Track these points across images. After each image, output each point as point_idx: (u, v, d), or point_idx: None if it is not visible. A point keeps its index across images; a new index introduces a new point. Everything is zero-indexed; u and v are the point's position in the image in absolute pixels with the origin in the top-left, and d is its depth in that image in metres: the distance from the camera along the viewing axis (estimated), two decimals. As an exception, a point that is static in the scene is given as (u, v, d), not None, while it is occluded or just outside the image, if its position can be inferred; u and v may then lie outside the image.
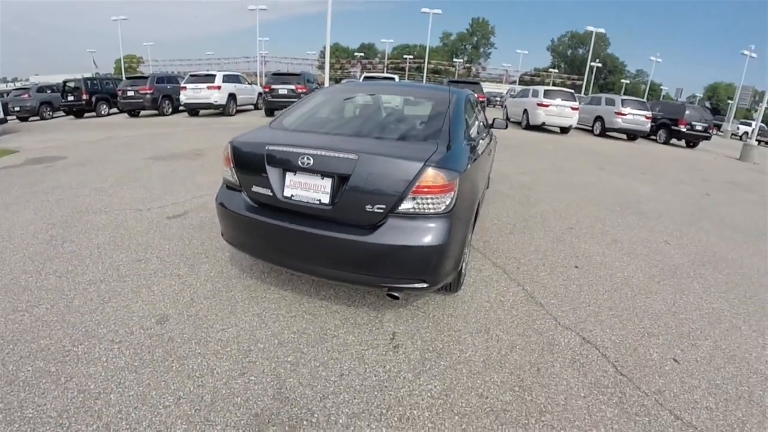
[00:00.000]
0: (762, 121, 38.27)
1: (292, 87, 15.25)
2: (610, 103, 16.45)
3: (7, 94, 19.12)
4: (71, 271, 3.25)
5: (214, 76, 15.39)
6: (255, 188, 2.66)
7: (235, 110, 16.34)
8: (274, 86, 15.30)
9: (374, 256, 2.34)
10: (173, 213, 4.63)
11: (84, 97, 16.72)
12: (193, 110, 15.94)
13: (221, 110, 15.66)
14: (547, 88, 16.30)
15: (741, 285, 3.73)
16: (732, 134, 32.76)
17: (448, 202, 2.37)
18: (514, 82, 70.25)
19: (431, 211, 2.34)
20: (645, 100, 19.09)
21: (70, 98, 16.97)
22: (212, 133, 11.45)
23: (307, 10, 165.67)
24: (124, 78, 18.65)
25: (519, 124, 16.83)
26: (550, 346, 2.54)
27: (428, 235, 2.31)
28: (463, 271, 2.94)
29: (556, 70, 76.22)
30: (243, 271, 3.29)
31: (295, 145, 2.54)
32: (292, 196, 2.52)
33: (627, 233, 4.84)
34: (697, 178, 10.29)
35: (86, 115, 17.72)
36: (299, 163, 2.45)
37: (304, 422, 1.89)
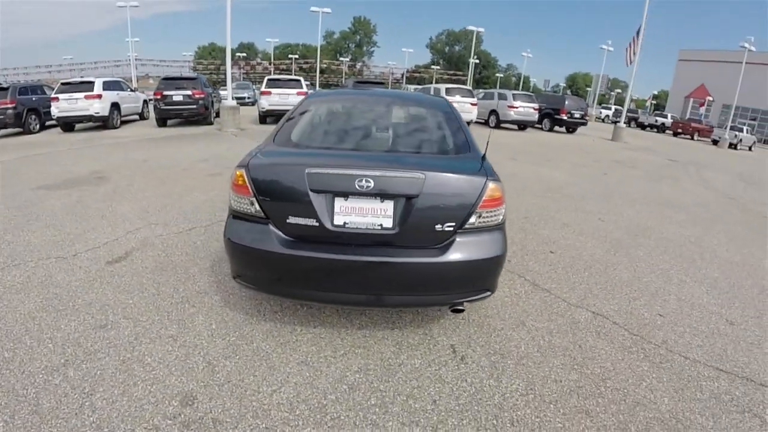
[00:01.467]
0: (616, 105, 45.27)
1: (188, 93, 13.77)
2: (503, 97, 18.09)
3: None
4: (11, 359, 2.41)
5: (92, 83, 13.16)
6: (293, 219, 2.27)
7: (119, 122, 14.21)
8: (166, 92, 13.62)
9: (447, 275, 2.31)
10: (112, 256, 3.78)
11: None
12: (68, 124, 13.44)
13: (103, 123, 13.50)
14: (447, 86, 17.20)
15: (669, 247, 4.82)
16: (596, 117, 38.08)
17: (503, 213, 2.47)
18: (398, 80, 72.79)
19: (492, 223, 2.40)
20: (532, 93, 21.23)
21: None
22: (103, 150, 9.81)
23: (179, 8, 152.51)
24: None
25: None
26: (575, 325, 2.94)
27: (493, 246, 2.38)
28: None
29: (438, 67, 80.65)
30: (250, 315, 2.80)
31: (348, 166, 2.25)
32: (345, 224, 2.26)
33: (569, 216, 5.57)
34: (589, 160, 11.83)
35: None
36: (356, 186, 2.19)
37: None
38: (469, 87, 18.06)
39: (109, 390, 2.14)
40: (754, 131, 31.99)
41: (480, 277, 2.41)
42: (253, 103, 26.85)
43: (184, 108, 13.91)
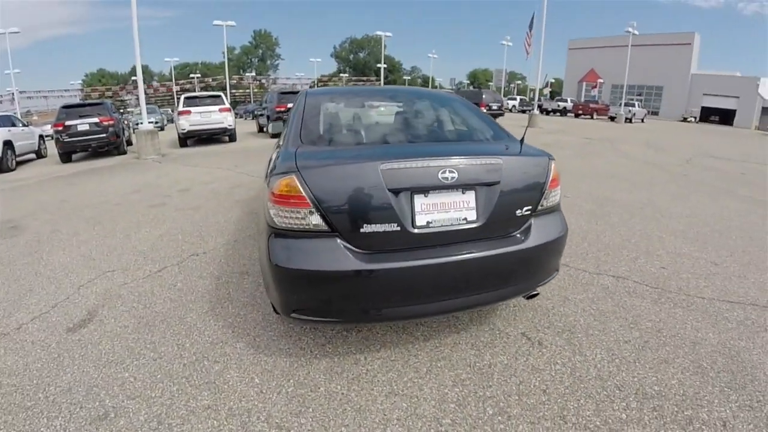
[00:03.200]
0: (519, 95, 48.86)
1: (95, 120, 12.11)
2: None
3: None
4: None
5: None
6: (368, 227, 1.91)
7: (14, 162, 12.11)
8: (69, 122, 11.84)
9: (531, 260, 2.27)
10: (72, 321, 2.98)
11: None
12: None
13: (-6, 166, 11.43)
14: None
15: (634, 212, 5.37)
16: (504, 108, 40.66)
17: (560, 192, 2.48)
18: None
19: (554, 202, 2.41)
20: (452, 90, 22.08)
21: None
22: (6, 196, 8.15)
23: (57, 32, 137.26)
24: None
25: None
26: (607, 290, 3.13)
27: (560, 224, 2.41)
28: None
29: (346, 74, 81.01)
30: (295, 356, 2.34)
31: (430, 157, 1.99)
32: (428, 223, 2.01)
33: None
34: None
35: None
36: (440, 178, 1.98)
37: None
38: (449, 89, 18.47)
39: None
40: (642, 105, 36.07)
41: (554, 258, 2.42)
42: (161, 128, 24.84)
43: (92, 138, 12.22)
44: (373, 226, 1.93)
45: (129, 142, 14.59)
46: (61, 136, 11.88)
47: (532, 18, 23.11)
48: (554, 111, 37.83)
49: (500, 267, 2.17)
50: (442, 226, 2.03)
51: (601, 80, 46.09)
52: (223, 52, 40.60)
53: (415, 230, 1.98)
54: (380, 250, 1.99)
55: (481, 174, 2.10)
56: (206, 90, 64.16)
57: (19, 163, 12.62)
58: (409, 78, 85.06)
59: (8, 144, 11.68)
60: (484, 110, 19.55)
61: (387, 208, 1.93)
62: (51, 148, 13.54)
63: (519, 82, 69.28)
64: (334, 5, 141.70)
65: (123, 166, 11.07)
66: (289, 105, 13.89)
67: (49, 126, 13.57)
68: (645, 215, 5.22)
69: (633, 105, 30.63)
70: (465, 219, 2.07)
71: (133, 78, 75.00)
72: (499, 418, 1.89)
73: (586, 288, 3.17)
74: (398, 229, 1.94)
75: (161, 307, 3.07)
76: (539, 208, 2.28)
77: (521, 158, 2.32)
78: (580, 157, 10.59)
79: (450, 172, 1.99)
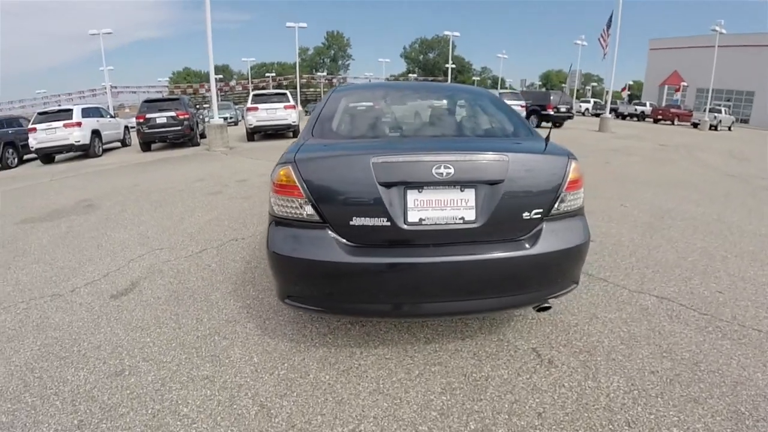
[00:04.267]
0: (593, 98, 46.12)
1: (172, 114, 13.25)
2: None
3: None
4: (11, 425, 1.94)
5: (70, 110, 12.56)
6: (357, 221, 1.89)
7: (101, 149, 13.58)
8: (149, 115, 13.08)
9: (539, 268, 2.07)
10: (116, 289, 3.30)
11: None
12: (48, 156, 12.80)
13: (84, 152, 12.89)
14: (500, 91, 17.43)
15: (698, 226, 4.78)
16: (576, 111, 38.56)
17: (583, 196, 2.25)
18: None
19: (575, 207, 2.18)
20: (518, 90, 21.33)
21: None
22: (89, 179, 9.23)
23: (152, 34, 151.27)
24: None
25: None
26: (645, 311, 2.78)
27: (580, 232, 2.16)
28: None
29: (414, 75, 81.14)
30: (296, 341, 2.39)
31: (423, 152, 1.93)
32: (421, 220, 1.92)
33: (591, 204, 5.17)
34: (586, 151, 11.80)
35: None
36: (434, 174, 1.88)
37: None
38: (516, 90, 18.33)
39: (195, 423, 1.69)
40: (730, 111, 32.62)
41: (569, 269, 2.17)
42: (235, 123, 26.46)
43: (169, 130, 13.36)
44: (362, 219, 1.91)
45: (203, 135, 15.69)
46: (141, 128, 13.13)
47: (611, 17, 21.78)
48: (631, 115, 35.24)
49: (502, 273, 2.02)
50: (436, 224, 1.94)
51: (685, 83, 42.23)
52: (299, 52, 42.16)
53: (406, 227, 1.91)
54: (370, 244, 1.96)
55: (482, 171, 1.96)
56: (279, 88, 67.46)
57: (105, 150, 14.11)
58: (479, 79, 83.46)
59: (96, 133, 13.14)
60: (551, 112, 18.77)
61: (376, 203, 1.89)
62: (135, 138, 14.91)
63: (594, 84, 65.23)
64: (406, 6, 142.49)
65: (193, 156, 11.97)
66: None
67: (133, 118, 14.94)
68: (711, 231, 4.63)
69: (719, 111, 27.71)
70: (462, 218, 1.95)
71: (215, 75, 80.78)
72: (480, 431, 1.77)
73: (621, 307, 2.82)
74: (388, 224, 1.90)
75: (192, 284, 3.30)
76: (553, 212, 2.07)
77: (532, 156, 2.13)
78: (649, 164, 9.77)
79: (445, 167, 1.89)
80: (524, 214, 2.00)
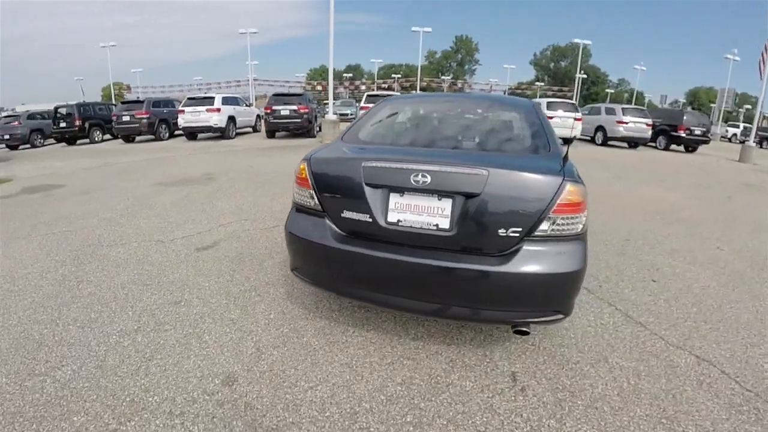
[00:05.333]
0: (745, 122, 38.96)
1: (294, 107, 14.84)
2: (611, 112, 16.54)
3: None
4: (95, 319, 2.68)
5: (213, 98, 14.94)
6: (347, 214, 2.18)
7: (234, 133, 15.85)
8: (275, 107, 14.86)
9: (509, 288, 2.01)
10: (202, 244, 4.07)
11: (77, 123, 16.10)
12: (192, 134, 15.39)
13: (221, 133, 15.15)
14: (549, 100, 16.31)
15: None
16: (721, 137, 33.10)
17: (584, 222, 2.09)
18: (501, 98, 70.79)
19: (568, 232, 2.04)
20: (644, 108, 19.15)
21: (62, 125, 16.33)
22: (217, 156, 10.93)
23: (296, 33, 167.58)
24: (118, 103, 18.07)
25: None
26: (671, 369, 2.35)
27: (569, 260, 2.02)
28: None
29: (542, 83, 77.36)
30: (308, 310, 2.76)
31: (405, 160, 2.11)
32: (398, 221, 2.10)
33: (680, 242, 4.70)
34: (711, 181, 10.26)
35: (79, 141, 17.06)
36: (412, 181, 2.04)
37: None
38: (573, 101, 16.83)
39: (165, 359, 2.24)
40: None
41: (549, 295, 2.06)
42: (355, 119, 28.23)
43: (290, 121, 14.99)
44: (351, 213, 2.17)
45: (321, 129, 17.15)
46: (268, 117, 14.97)
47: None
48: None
49: (467, 284, 2.05)
50: (411, 227, 2.08)
51: None
52: (424, 56, 43.24)
53: (386, 225, 2.10)
54: (356, 235, 2.20)
55: (460, 183, 2.02)
56: (403, 90, 69.65)
57: (238, 134, 16.38)
58: (613, 92, 76.40)
59: (231, 119, 15.35)
60: (683, 134, 16.54)
61: (363, 201, 2.13)
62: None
63: (749, 106, 54.70)
64: (540, 12, 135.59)
65: (307, 146, 13.27)
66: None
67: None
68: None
69: None
70: (437, 225, 2.05)
71: (344, 75, 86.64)
72: (411, 428, 1.83)
73: (645, 358, 2.43)
74: (370, 220, 2.12)
75: (256, 251, 3.92)
76: (538, 233, 2.00)
77: (517, 174, 2.06)
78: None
79: (422, 176, 2.02)
80: (500, 231, 2.00)
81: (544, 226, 2.00)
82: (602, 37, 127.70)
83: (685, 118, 16.54)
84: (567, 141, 15.69)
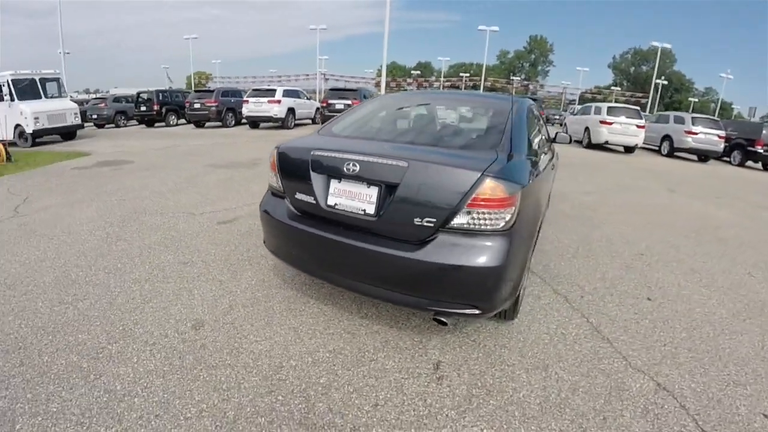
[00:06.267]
0: None
1: (349, 102, 15.46)
2: (680, 121, 15.31)
3: (86, 103, 21.07)
4: (120, 268, 3.29)
5: (274, 90, 15.97)
6: (298, 195, 2.52)
7: (293, 124, 16.83)
8: (331, 101, 15.62)
9: (420, 275, 2.12)
10: (224, 218, 4.65)
11: (155, 107, 18.02)
12: (254, 123, 16.60)
13: (280, 123, 16.17)
14: (610, 104, 15.41)
15: None
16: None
17: (507, 218, 2.09)
18: (573, 101, 67.75)
19: (488, 227, 2.07)
20: (717, 118, 17.50)
21: (143, 108, 18.38)
22: (270, 144, 11.76)
23: (368, 30, 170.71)
24: (192, 91, 19.83)
25: (580, 142, 16.01)
26: (618, 391, 2.16)
27: (483, 254, 2.05)
28: (520, 297, 2.63)
29: (619, 88, 72.77)
30: (285, 281, 3.17)
31: (341, 151, 2.38)
32: (335, 205, 2.35)
33: (705, 262, 4.23)
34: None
35: (156, 124, 19.07)
36: (345, 169, 2.28)
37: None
38: (636, 107, 15.81)
39: (158, 303, 2.77)
40: None
41: (461, 288, 2.10)
42: None
43: (343, 114, 15.65)
44: (301, 195, 2.47)
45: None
46: (323, 110, 15.74)
47: None
48: None
49: (383, 267, 2.20)
50: (344, 210, 2.30)
51: None
52: (496, 56, 42.39)
53: (326, 207, 2.36)
54: (305, 215, 2.50)
55: (384, 173, 2.18)
56: (474, 88, 68.67)
57: (297, 125, 17.31)
58: (697, 101, 70.00)
59: (291, 110, 16.34)
60: (760, 150, 14.95)
61: (309, 185, 2.41)
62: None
63: None
64: (621, 13, 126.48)
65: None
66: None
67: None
68: None
69: None
70: (364, 210, 2.24)
71: (413, 71, 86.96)
72: (320, 389, 2.03)
73: (593, 375, 2.25)
74: (314, 202, 2.40)
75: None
76: (453, 224, 2.08)
77: (434, 166, 2.15)
78: None
79: (353, 165, 2.24)
80: (416, 220, 2.11)
81: (461, 219, 2.06)
82: (690, 41, 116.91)
83: (764, 132, 14.98)
84: (628, 149, 14.91)
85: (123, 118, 20.00)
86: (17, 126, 11.59)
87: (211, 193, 5.83)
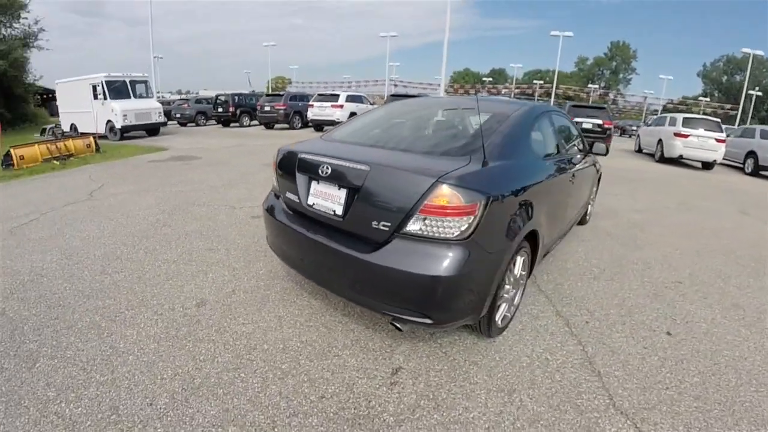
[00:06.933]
0: None
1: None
2: (767, 136, 13.55)
3: (173, 103, 23.64)
4: (156, 249, 3.77)
5: (338, 96, 16.67)
6: (288, 194, 2.74)
7: (352, 127, 17.44)
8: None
9: (373, 277, 2.17)
10: (258, 213, 5.07)
11: (231, 109, 19.56)
12: (318, 126, 17.45)
13: (341, 127, 16.84)
14: (686, 115, 13.97)
15: None
16: None
17: (463, 228, 2.04)
18: (656, 111, 62.61)
19: (441, 235, 2.05)
20: None
21: (220, 110, 20.06)
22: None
23: (440, 37, 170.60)
24: (264, 95, 21.26)
25: (652, 156, 14.87)
26: (586, 429, 1.95)
27: (434, 263, 2.01)
28: (500, 314, 2.58)
29: (708, 99, 66.06)
30: (288, 274, 3.43)
31: (320, 154, 2.53)
32: (313, 204, 2.52)
33: (756, 298, 3.55)
34: None
35: (231, 124, 20.71)
36: (320, 172, 2.44)
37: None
38: (716, 119, 14.26)
39: (176, 282, 3.18)
40: None
41: (411, 295, 2.08)
42: None
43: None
44: (290, 195, 2.67)
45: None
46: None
47: None
48: None
49: (342, 266, 2.31)
50: (320, 210, 2.45)
51: None
52: (577, 62, 40.59)
53: (306, 206, 2.53)
54: (294, 212, 2.68)
55: (349, 177, 2.30)
56: (546, 96, 66.15)
57: (356, 129, 17.87)
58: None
59: (353, 114, 16.81)
60: None
61: (295, 185, 2.60)
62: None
63: None
64: (713, 15, 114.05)
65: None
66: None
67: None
68: None
69: None
70: (334, 211, 2.38)
71: (484, 78, 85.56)
72: (278, 373, 2.19)
73: (563, 408, 2.07)
74: (298, 201, 2.59)
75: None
76: (408, 230, 2.09)
77: (392, 170, 2.21)
78: None
79: (326, 168, 2.39)
80: (373, 223, 2.17)
81: (415, 225, 2.07)
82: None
83: None
84: (705, 165, 13.59)
85: (203, 117, 21.99)
86: (108, 121, 13.31)
87: (257, 189, 6.33)
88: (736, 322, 3.06)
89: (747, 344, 2.76)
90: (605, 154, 4.52)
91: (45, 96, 30.07)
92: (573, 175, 3.65)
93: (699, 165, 13.82)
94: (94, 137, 10.53)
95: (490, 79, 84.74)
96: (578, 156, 3.99)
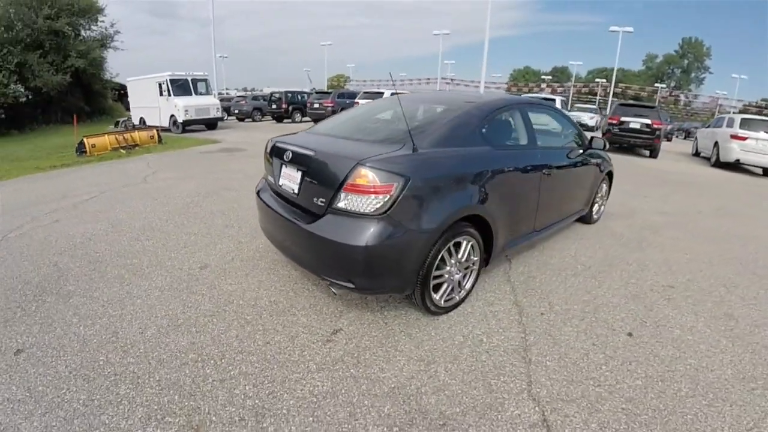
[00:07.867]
0: None
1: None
2: None
3: (231, 100, 25.74)
4: (184, 224, 4.44)
5: (382, 93, 17.12)
6: (269, 177, 3.22)
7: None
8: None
9: (312, 244, 2.53)
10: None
11: (283, 106, 20.72)
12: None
13: (383, 123, 17.30)
14: (745, 116, 12.79)
15: None
16: None
17: (379, 205, 2.30)
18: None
19: (360, 210, 2.35)
20: None
21: (273, 106, 21.26)
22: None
23: (501, 34, 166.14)
24: (314, 92, 22.25)
25: (708, 160, 13.86)
26: (486, 409, 1.99)
27: (353, 234, 2.31)
28: (442, 293, 2.76)
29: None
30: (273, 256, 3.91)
31: (286, 143, 2.99)
32: (282, 184, 2.95)
33: (757, 311, 3.20)
34: None
35: (284, 120, 21.84)
36: (284, 156, 2.89)
37: (199, 363, 2.25)
38: None
39: (190, 249, 3.80)
40: None
41: (336, 262, 2.43)
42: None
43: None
44: (269, 177, 3.14)
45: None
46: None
47: None
48: None
49: (294, 235, 2.70)
50: (285, 188, 2.86)
51: None
52: (645, 60, 38.25)
53: (277, 186, 2.98)
54: (274, 194, 3.08)
55: (302, 160, 2.71)
56: (605, 95, 62.74)
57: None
58: None
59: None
60: None
61: (271, 167, 3.07)
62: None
63: None
64: None
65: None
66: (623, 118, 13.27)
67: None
68: None
69: None
70: (293, 189, 2.78)
71: (544, 76, 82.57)
72: (243, 323, 2.67)
73: (473, 381, 2.16)
74: (273, 181, 3.04)
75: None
76: (337, 206, 2.42)
77: (327, 154, 2.63)
78: None
79: (289, 154, 2.82)
80: (314, 199, 2.57)
81: (342, 201, 2.41)
82: None
83: None
84: (766, 171, 12.47)
85: (259, 113, 23.40)
86: (172, 116, 14.73)
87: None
88: (720, 332, 2.83)
89: (722, 356, 2.55)
90: (603, 148, 4.51)
91: (121, 92, 33.26)
92: (549, 169, 3.60)
93: (760, 171, 12.74)
94: (157, 129, 11.81)
95: (550, 77, 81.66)
96: (567, 153, 3.99)
